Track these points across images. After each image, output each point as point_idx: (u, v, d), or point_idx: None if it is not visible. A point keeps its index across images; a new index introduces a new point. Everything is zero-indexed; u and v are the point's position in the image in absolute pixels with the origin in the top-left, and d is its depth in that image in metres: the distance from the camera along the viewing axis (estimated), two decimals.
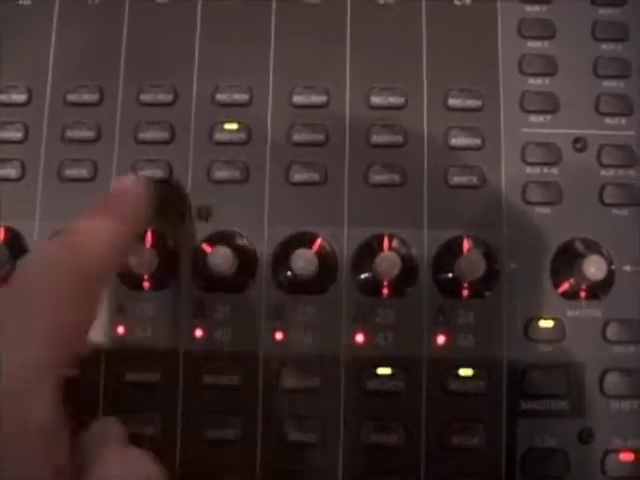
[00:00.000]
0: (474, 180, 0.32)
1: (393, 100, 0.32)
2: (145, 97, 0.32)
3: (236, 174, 0.32)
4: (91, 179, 0.32)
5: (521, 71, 0.32)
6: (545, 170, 0.32)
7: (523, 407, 0.31)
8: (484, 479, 0.31)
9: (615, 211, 0.32)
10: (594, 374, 0.31)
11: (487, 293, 0.31)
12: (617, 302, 0.31)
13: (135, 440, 0.25)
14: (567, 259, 0.31)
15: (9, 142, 0.32)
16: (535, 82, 0.32)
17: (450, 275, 0.31)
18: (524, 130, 0.32)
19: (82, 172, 0.32)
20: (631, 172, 0.32)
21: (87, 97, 0.32)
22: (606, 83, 0.32)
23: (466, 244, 0.31)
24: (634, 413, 0.31)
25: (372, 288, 0.31)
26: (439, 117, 0.32)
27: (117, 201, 0.29)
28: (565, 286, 0.31)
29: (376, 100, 0.32)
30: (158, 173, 0.32)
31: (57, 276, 0.24)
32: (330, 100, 0.32)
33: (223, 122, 0.32)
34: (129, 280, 0.31)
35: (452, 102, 0.32)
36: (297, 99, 0.32)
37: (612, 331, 0.31)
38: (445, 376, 0.31)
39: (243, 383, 0.31)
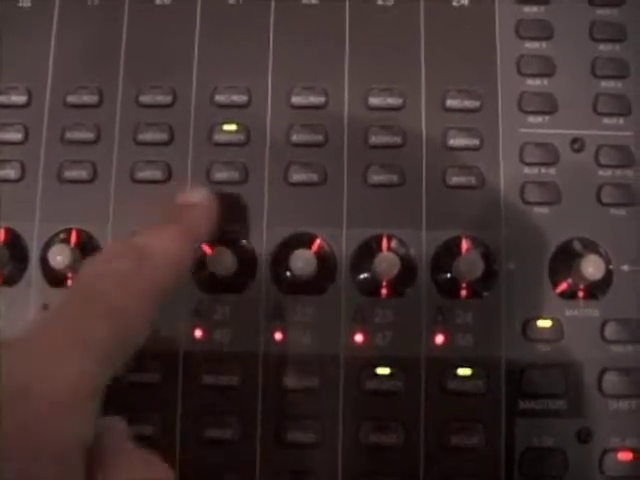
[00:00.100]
0: (472, 180, 0.32)
1: (391, 101, 0.32)
2: (144, 98, 0.32)
3: (235, 175, 0.32)
4: (90, 180, 0.32)
5: (519, 72, 0.33)
6: (543, 170, 0.32)
7: (521, 406, 0.31)
8: (483, 478, 0.31)
9: (613, 211, 0.32)
10: (592, 374, 0.31)
11: (485, 293, 0.31)
12: (615, 302, 0.31)
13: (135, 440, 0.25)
14: (565, 259, 0.31)
15: (9, 143, 0.32)
16: (533, 83, 0.33)
17: (449, 275, 0.31)
18: (522, 130, 0.32)
19: (82, 173, 0.32)
20: (629, 172, 0.32)
21: (87, 99, 0.33)
22: (604, 83, 0.33)
23: (464, 244, 0.31)
24: (632, 412, 0.31)
25: (371, 288, 0.31)
26: (437, 118, 0.32)
27: (184, 213, 0.28)
28: (563, 286, 0.31)
29: (374, 101, 0.32)
30: (157, 174, 0.32)
31: (120, 289, 0.23)
32: (329, 101, 0.32)
33: (222, 123, 0.32)
34: None
35: (450, 103, 0.32)
36: (296, 100, 0.32)
37: (610, 331, 0.31)
38: (444, 376, 0.31)
39: (242, 383, 0.31)
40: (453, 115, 0.32)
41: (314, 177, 0.32)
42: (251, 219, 0.32)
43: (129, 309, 0.23)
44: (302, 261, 0.30)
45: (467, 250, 0.31)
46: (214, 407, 0.31)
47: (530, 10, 0.33)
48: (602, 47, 0.33)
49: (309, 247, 0.31)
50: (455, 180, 0.32)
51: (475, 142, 0.32)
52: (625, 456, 0.31)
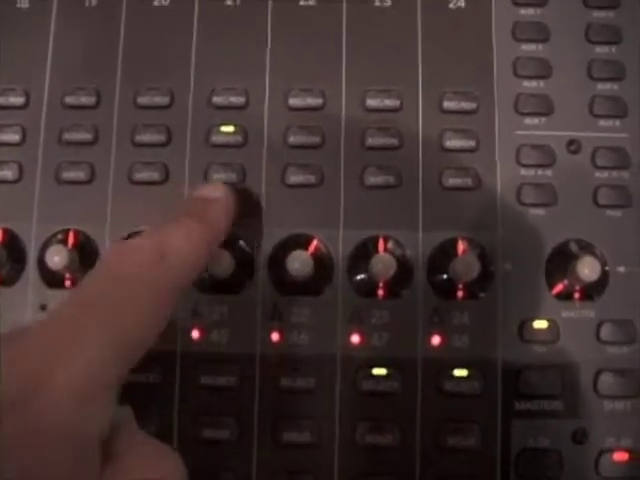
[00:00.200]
0: (469, 182, 0.32)
1: (388, 102, 0.32)
2: (142, 100, 0.32)
3: (232, 176, 0.32)
4: (88, 181, 0.32)
5: (515, 74, 0.33)
6: (540, 172, 0.32)
7: (517, 407, 0.31)
8: (479, 479, 0.31)
9: (609, 212, 0.32)
10: (588, 375, 0.31)
11: (482, 294, 0.31)
12: (611, 303, 0.31)
13: None
14: (561, 260, 0.31)
15: (7, 144, 0.33)
16: (530, 85, 0.33)
17: (445, 276, 0.31)
18: (519, 132, 0.32)
19: (79, 174, 0.32)
20: (625, 174, 0.32)
21: (84, 100, 0.33)
22: (600, 85, 0.33)
23: (461, 246, 0.31)
24: (628, 413, 0.31)
25: (367, 289, 0.31)
26: (434, 119, 0.32)
27: (204, 208, 0.28)
28: (559, 287, 0.31)
29: (372, 102, 0.32)
30: (155, 175, 0.32)
31: (140, 281, 0.23)
32: (326, 102, 0.32)
33: (219, 124, 0.32)
34: None
35: (447, 104, 0.32)
36: (293, 102, 0.32)
37: (606, 332, 0.31)
38: (440, 376, 0.31)
39: (240, 384, 0.31)
40: (450, 117, 0.32)
41: (311, 178, 0.32)
42: (249, 220, 0.32)
43: (153, 297, 0.23)
44: (299, 262, 0.30)
45: (463, 251, 0.31)
46: (211, 407, 0.31)
47: (526, 12, 0.33)
48: (598, 49, 0.33)
49: (306, 248, 0.31)
50: (451, 181, 0.32)
51: (471, 144, 0.32)
52: (621, 457, 0.31)
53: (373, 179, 0.32)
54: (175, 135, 0.32)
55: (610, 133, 0.32)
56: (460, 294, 0.31)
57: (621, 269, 0.32)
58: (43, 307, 0.31)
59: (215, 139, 0.32)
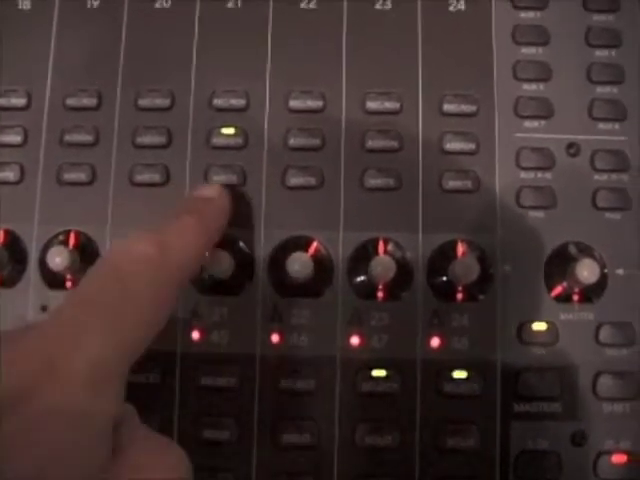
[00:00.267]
0: (468, 184, 0.32)
1: (389, 105, 0.32)
2: (143, 102, 0.33)
3: (233, 178, 0.32)
4: (89, 183, 0.32)
5: (515, 77, 0.33)
6: (539, 175, 0.32)
7: (516, 409, 0.31)
8: None
9: (608, 215, 0.32)
10: (587, 377, 0.31)
11: (481, 296, 0.31)
12: (610, 305, 0.31)
13: None
14: (560, 263, 0.31)
15: (8, 146, 0.33)
16: (529, 88, 0.33)
17: (444, 279, 0.31)
18: (518, 135, 0.32)
19: (80, 176, 0.32)
20: (624, 177, 0.32)
21: (86, 101, 0.33)
22: (600, 89, 0.33)
23: (460, 248, 0.31)
24: (627, 415, 0.31)
25: (367, 291, 0.31)
26: (434, 122, 0.32)
27: (202, 206, 0.29)
28: (558, 289, 0.31)
29: (372, 105, 0.32)
30: (156, 177, 0.32)
31: (140, 278, 0.24)
32: (326, 105, 0.32)
33: (220, 127, 0.32)
34: None
35: (447, 107, 0.32)
36: (293, 104, 0.32)
37: (605, 334, 0.31)
38: (439, 378, 0.31)
39: (240, 385, 0.31)
40: (450, 119, 0.32)
41: (311, 180, 0.32)
42: (249, 222, 0.32)
43: (153, 295, 0.24)
44: (299, 264, 0.30)
45: (463, 254, 0.31)
46: (211, 408, 0.31)
47: (526, 15, 0.33)
48: (598, 53, 0.33)
49: (306, 250, 0.31)
50: (451, 184, 0.32)
51: (471, 146, 0.32)
52: (619, 459, 0.31)
53: (373, 181, 0.32)
54: (176, 137, 0.32)
55: (609, 136, 0.32)
56: (459, 296, 0.31)
57: (620, 271, 0.32)
58: (44, 308, 0.32)
59: (216, 141, 0.32)
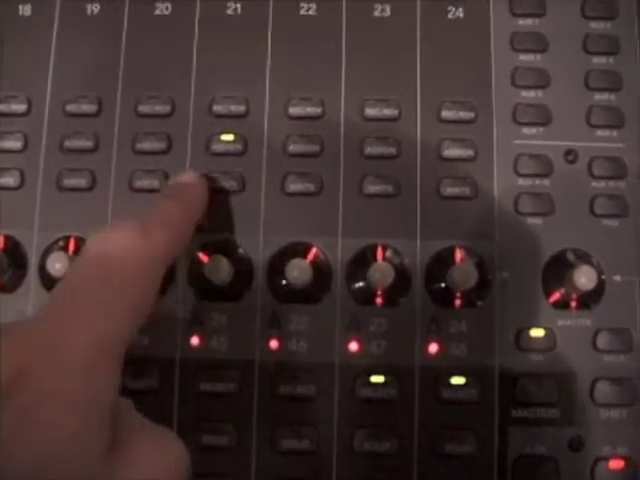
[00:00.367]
0: (467, 191, 0.32)
1: (387, 112, 0.32)
2: (143, 108, 0.33)
3: (232, 184, 0.32)
4: (89, 189, 0.32)
5: (514, 84, 0.33)
6: (537, 181, 0.32)
7: (514, 415, 0.31)
8: None
9: (606, 222, 0.32)
10: (584, 383, 0.31)
11: (479, 303, 0.32)
12: (607, 312, 0.32)
13: None
14: (558, 269, 0.31)
15: (8, 151, 0.33)
16: (527, 94, 0.33)
17: (443, 285, 0.31)
18: (516, 142, 0.33)
19: (80, 182, 0.32)
20: (621, 184, 0.32)
21: (86, 107, 0.33)
22: (597, 96, 0.33)
23: (458, 254, 0.31)
24: (624, 421, 0.31)
25: (366, 297, 0.31)
26: (432, 129, 0.32)
27: (181, 191, 0.30)
28: (556, 296, 0.32)
29: (370, 112, 0.32)
30: (155, 183, 0.32)
31: (126, 261, 0.24)
32: (325, 111, 0.33)
33: (220, 133, 0.32)
34: None
35: (445, 114, 0.32)
36: (293, 110, 0.33)
37: (602, 340, 0.31)
38: (438, 384, 0.31)
39: (239, 390, 0.31)
40: (448, 126, 0.32)
41: (310, 187, 0.32)
42: (248, 228, 0.32)
43: (139, 279, 0.25)
44: (297, 270, 0.30)
45: (461, 260, 0.31)
46: (210, 414, 0.31)
47: (525, 23, 0.33)
48: (596, 60, 0.33)
49: (305, 256, 0.31)
50: (449, 191, 0.32)
51: (470, 153, 0.32)
52: (617, 464, 0.31)
53: (372, 188, 0.32)
54: (175, 143, 0.33)
55: (607, 143, 0.33)
56: (458, 302, 0.31)
57: (617, 278, 0.32)
58: None
59: (215, 147, 0.32)
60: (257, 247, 0.32)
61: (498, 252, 0.32)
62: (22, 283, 0.32)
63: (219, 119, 0.33)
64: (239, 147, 0.32)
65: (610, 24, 0.33)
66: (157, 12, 0.34)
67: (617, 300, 0.32)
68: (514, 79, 0.33)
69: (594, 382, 0.31)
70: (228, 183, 0.32)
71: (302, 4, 0.34)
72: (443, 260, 0.31)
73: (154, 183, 0.32)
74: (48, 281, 0.32)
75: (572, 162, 0.32)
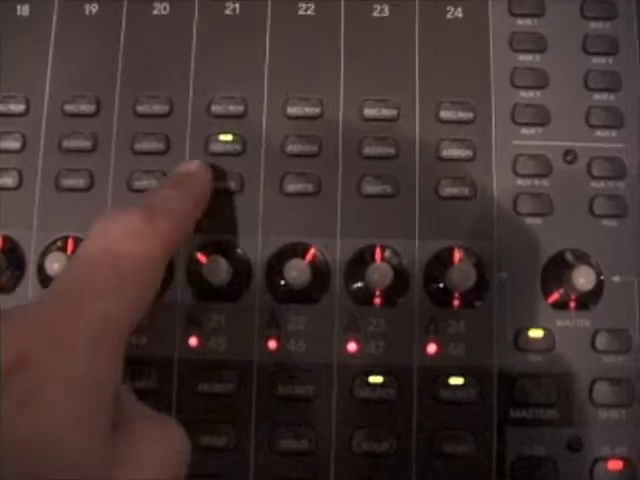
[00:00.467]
0: (465, 191, 0.32)
1: (386, 112, 0.32)
2: (141, 108, 0.33)
3: (231, 184, 0.32)
4: (88, 189, 0.32)
5: (512, 84, 0.33)
6: (536, 182, 0.32)
7: (513, 415, 0.31)
8: None
9: (605, 222, 0.32)
10: (583, 383, 0.31)
11: (478, 303, 0.31)
12: (606, 312, 0.32)
13: None
14: (557, 269, 0.31)
15: (7, 152, 0.33)
16: (526, 95, 0.33)
17: (441, 285, 0.31)
18: (515, 142, 0.32)
19: (79, 182, 0.32)
20: (621, 184, 0.32)
21: (84, 108, 0.33)
22: (597, 96, 0.33)
23: (457, 254, 0.31)
24: (622, 422, 0.31)
25: (364, 298, 0.31)
26: (431, 129, 0.32)
27: (184, 179, 0.30)
28: (555, 296, 0.32)
29: (369, 112, 0.32)
30: (154, 184, 0.32)
31: (132, 245, 0.25)
32: (324, 112, 0.33)
33: (218, 133, 0.32)
34: None
35: (444, 114, 0.32)
36: (291, 111, 0.32)
37: (601, 341, 0.31)
38: (436, 384, 0.31)
39: (237, 391, 0.31)
40: (447, 126, 0.32)
41: (309, 187, 0.32)
42: (246, 228, 0.32)
43: (144, 264, 0.25)
44: (296, 271, 0.30)
45: (460, 260, 0.31)
46: (209, 415, 0.31)
47: (524, 23, 0.33)
48: (595, 60, 0.33)
49: (303, 257, 0.31)
50: (448, 191, 0.32)
51: (468, 153, 0.32)
52: (615, 465, 0.31)
53: (370, 188, 0.32)
54: (174, 143, 0.33)
55: (606, 143, 0.33)
56: (456, 303, 0.31)
57: (616, 279, 0.32)
58: None
59: (214, 147, 0.32)
60: (256, 247, 0.32)
61: (497, 252, 0.32)
62: (20, 283, 0.32)
63: (217, 119, 0.33)
64: (237, 147, 0.32)
65: (609, 24, 0.33)
66: (155, 12, 0.34)
67: (616, 300, 0.32)
68: (513, 79, 0.33)
69: (593, 382, 0.31)
70: (226, 183, 0.32)
71: (301, 4, 0.33)
72: (442, 260, 0.31)
73: (152, 183, 0.32)
74: (46, 281, 0.32)
75: (571, 162, 0.32)
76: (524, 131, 0.33)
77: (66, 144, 0.33)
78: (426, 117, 0.32)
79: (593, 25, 0.33)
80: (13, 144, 0.33)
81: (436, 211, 0.32)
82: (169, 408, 0.31)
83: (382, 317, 0.31)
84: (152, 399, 0.31)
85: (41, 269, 0.32)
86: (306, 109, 0.32)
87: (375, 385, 0.31)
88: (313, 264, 0.31)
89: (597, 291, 0.31)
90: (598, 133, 0.33)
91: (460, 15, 0.33)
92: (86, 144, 0.33)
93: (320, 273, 0.31)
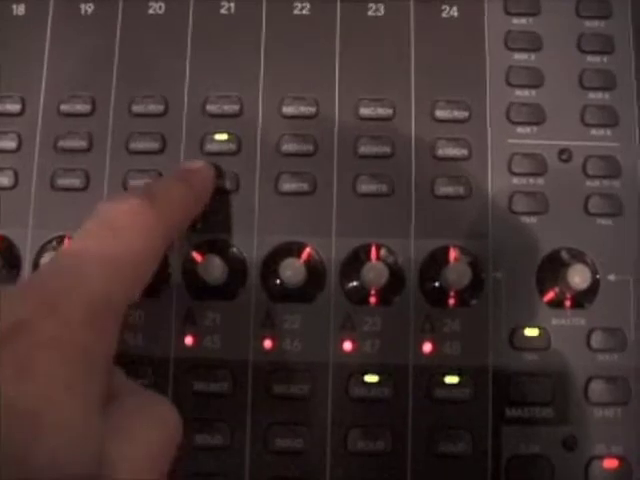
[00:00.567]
0: (461, 190, 0.32)
1: (381, 111, 0.32)
2: (137, 108, 0.33)
3: (226, 184, 0.32)
4: (83, 188, 0.32)
5: (508, 83, 0.33)
6: (531, 180, 0.32)
7: (508, 414, 0.31)
8: None
9: (600, 221, 0.32)
10: (579, 382, 0.31)
11: (473, 302, 0.32)
12: (601, 311, 0.32)
13: None
14: (552, 268, 0.31)
15: (3, 151, 0.33)
16: (522, 94, 0.33)
17: (437, 284, 0.31)
18: (510, 141, 0.32)
19: (74, 182, 0.32)
20: (616, 183, 0.32)
21: (80, 107, 0.33)
22: (592, 95, 0.33)
23: (452, 253, 0.31)
24: (618, 420, 0.31)
25: (360, 297, 0.31)
26: (426, 128, 0.32)
27: (188, 174, 0.30)
28: (550, 295, 0.32)
29: (364, 111, 0.32)
30: None
31: (133, 227, 0.25)
32: (319, 111, 0.33)
33: (213, 133, 0.32)
34: None
35: (439, 113, 0.32)
36: (287, 110, 0.32)
37: (596, 339, 0.31)
38: (431, 383, 0.31)
39: (232, 390, 0.31)
40: (442, 125, 0.32)
41: (304, 186, 0.32)
42: (242, 227, 0.32)
43: (145, 243, 0.25)
44: (291, 270, 0.30)
45: (455, 259, 0.31)
46: (204, 414, 0.31)
47: (519, 22, 0.33)
48: (590, 59, 0.33)
49: (299, 256, 0.31)
50: (443, 190, 0.32)
51: (464, 152, 0.32)
52: (611, 463, 0.31)
53: (365, 187, 0.32)
54: (169, 143, 0.33)
55: (601, 142, 0.33)
56: (452, 301, 0.31)
57: (611, 277, 0.32)
58: None
59: (209, 147, 0.32)
60: (251, 246, 0.32)
61: (492, 251, 0.32)
62: (16, 283, 0.32)
63: (213, 119, 0.33)
64: (233, 147, 0.32)
65: (604, 23, 0.33)
66: (151, 11, 0.34)
67: (611, 299, 0.32)
68: (508, 78, 0.33)
69: (588, 381, 0.31)
70: (222, 182, 0.32)
71: (296, 3, 0.33)
72: (437, 259, 0.31)
73: None
74: None
75: (566, 161, 0.32)
76: (519, 130, 0.33)
77: (62, 144, 0.33)
78: (421, 116, 0.32)
79: (588, 24, 0.33)
80: (9, 144, 0.33)
81: (431, 210, 0.32)
82: None
83: (377, 316, 0.31)
84: None
85: (37, 268, 0.31)
86: (301, 108, 0.32)
87: (371, 384, 0.31)
88: (308, 263, 0.31)
89: (592, 290, 0.31)
90: (593, 132, 0.33)
91: (455, 14, 0.33)
92: (82, 144, 0.33)
93: (315, 272, 0.31)
